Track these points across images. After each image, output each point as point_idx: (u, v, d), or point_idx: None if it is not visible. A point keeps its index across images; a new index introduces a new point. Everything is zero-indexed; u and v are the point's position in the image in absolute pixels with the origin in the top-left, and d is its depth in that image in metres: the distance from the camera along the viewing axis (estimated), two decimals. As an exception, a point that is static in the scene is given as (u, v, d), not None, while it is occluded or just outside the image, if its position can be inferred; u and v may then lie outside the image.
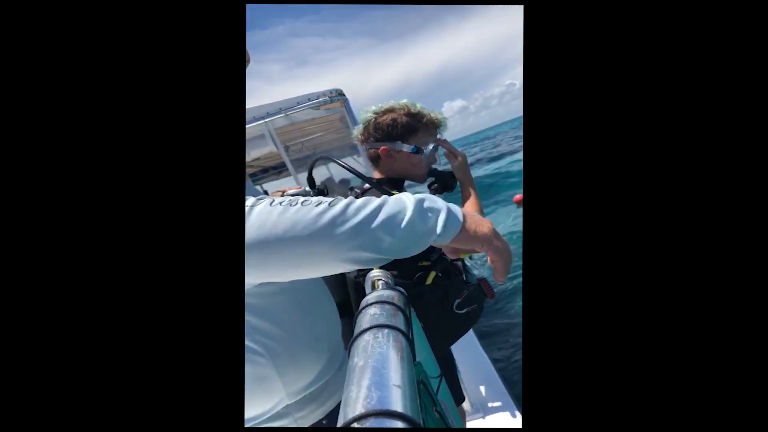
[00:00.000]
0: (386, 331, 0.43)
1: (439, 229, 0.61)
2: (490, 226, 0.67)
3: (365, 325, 0.44)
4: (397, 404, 0.30)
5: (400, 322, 0.47)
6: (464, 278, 1.32)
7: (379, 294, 0.57)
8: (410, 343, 0.43)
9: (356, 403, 0.30)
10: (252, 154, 3.06)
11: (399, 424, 0.28)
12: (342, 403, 0.32)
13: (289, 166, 2.99)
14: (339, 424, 0.29)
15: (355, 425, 0.28)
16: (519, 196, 10.36)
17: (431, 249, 1.25)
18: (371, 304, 0.53)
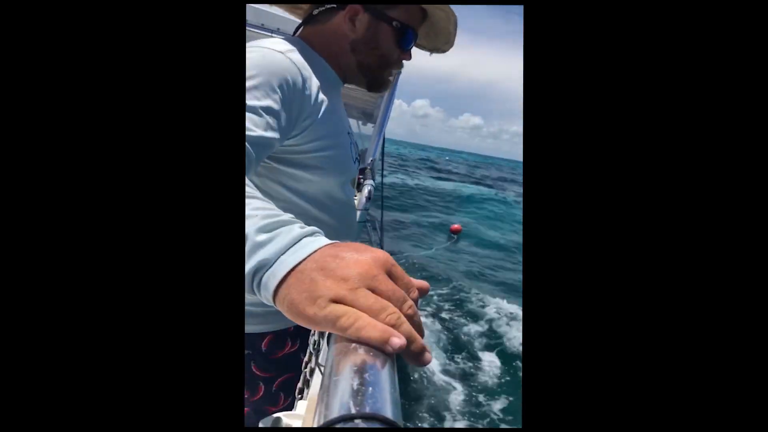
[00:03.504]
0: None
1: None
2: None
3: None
4: (388, 411, 0.27)
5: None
6: None
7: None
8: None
9: (348, 401, 0.27)
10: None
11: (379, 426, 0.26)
12: (326, 395, 0.29)
13: None
14: (320, 422, 0.26)
15: (341, 425, 0.26)
16: (455, 226, 10.89)
17: None
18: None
